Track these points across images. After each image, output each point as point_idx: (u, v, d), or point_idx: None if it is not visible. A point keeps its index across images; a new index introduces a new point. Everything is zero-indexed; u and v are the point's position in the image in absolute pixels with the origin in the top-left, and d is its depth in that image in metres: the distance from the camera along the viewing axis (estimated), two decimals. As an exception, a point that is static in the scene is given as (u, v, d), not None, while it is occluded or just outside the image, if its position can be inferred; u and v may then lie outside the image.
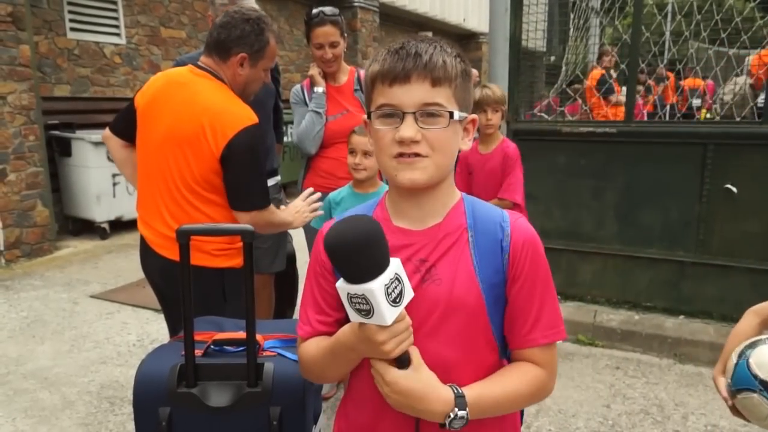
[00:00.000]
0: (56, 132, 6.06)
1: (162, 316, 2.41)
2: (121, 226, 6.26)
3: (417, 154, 1.00)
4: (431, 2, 12.55)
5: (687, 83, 7.70)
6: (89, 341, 3.70)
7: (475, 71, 1.53)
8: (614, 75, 6.68)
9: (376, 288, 0.87)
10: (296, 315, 3.20)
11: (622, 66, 4.21)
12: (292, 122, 3.11)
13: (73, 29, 6.36)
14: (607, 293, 3.96)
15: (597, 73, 6.41)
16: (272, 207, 2.13)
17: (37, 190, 5.56)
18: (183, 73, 2.11)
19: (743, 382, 1.29)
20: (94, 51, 6.59)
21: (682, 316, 3.71)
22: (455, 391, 0.98)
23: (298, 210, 2.25)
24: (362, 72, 3.02)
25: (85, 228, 6.26)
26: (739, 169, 3.51)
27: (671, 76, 7.19)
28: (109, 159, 5.74)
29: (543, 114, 4.68)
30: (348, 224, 0.92)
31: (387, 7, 11.03)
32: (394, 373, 0.96)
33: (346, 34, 3.00)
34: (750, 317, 1.47)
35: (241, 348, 1.58)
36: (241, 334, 1.56)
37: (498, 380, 1.05)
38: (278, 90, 3.06)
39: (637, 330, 3.62)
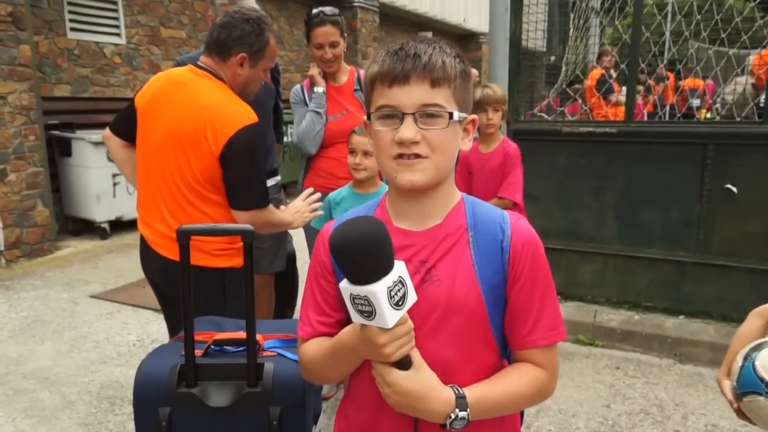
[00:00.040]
0: (56, 132, 6.06)
1: (162, 316, 2.41)
2: (121, 226, 6.26)
3: (417, 156, 1.00)
4: (431, 2, 12.55)
5: (687, 83, 7.69)
6: (89, 341, 3.70)
7: (474, 71, 1.52)
8: (614, 75, 6.68)
9: (378, 290, 0.87)
10: (296, 315, 3.20)
11: (622, 66, 4.21)
12: (292, 122, 3.11)
13: (73, 29, 6.36)
14: (607, 293, 3.96)
15: (597, 73, 6.41)
16: (271, 207, 2.13)
17: (37, 190, 5.56)
18: (183, 72, 2.11)
19: (749, 385, 1.28)
20: (94, 51, 6.59)
21: (682, 316, 3.71)
22: (456, 392, 0.98)
23: (297, 210, 2.25)
24: (362, 72, 3.02)
25: (85, 228, 6.26)
26: (739, 169, 3.51)
27: (671, 76, 7.19)
28: (109, 159, 5.74)
29: (543, 114, 4.68)
30: (354, 225, 0.91)
31: (387, 7, 11.03)
32: (395, 375, 0.95)
33: (346, 34, 3.00)
34: (754, 319, 1.46)
35: (241, 348, 1.57)
36: (241, 334, 1.56)
37: (499, 381, 1.05)
38: (278, 90, 3.05)
39: (637, 330, 3.62)
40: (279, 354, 1.60)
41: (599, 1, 5.81)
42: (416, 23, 12.90)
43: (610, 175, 3.84)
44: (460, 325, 1.03)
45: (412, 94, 0.99)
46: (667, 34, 6.67)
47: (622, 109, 4.24)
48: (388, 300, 0.88)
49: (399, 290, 0.90)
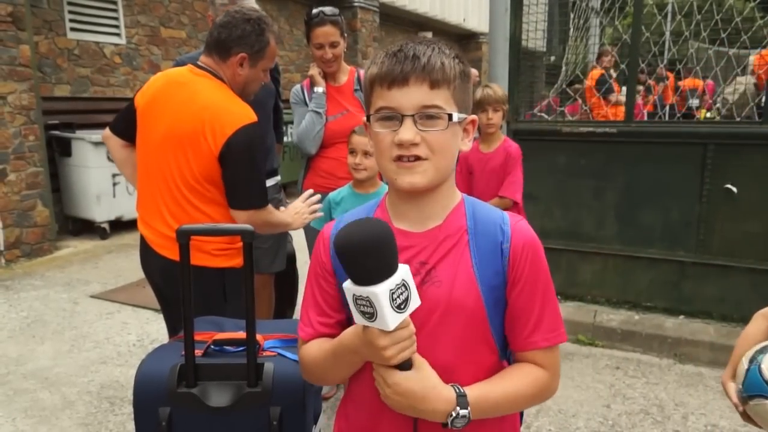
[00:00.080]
0: (56, 132, 6.06)
1: (162, 316, 2.41)
2: (121, 226, 6.26)
3: (417, 157, 1.00)
4: (431, 2, 12.55)
5: (686, 83, 7.69)
6: (89, 341, 3.70)
7: (474, 71, 1.53)
8: (614, 75, 6.68)
9: (380, 292, 0.87)
10: (296, 315, 3.21)
11: (622, 66, 4.21)
12: (292, 122, 3.11)
13: (73, 29, 6.36)
14: (607, 293, 3.96)
15: (597, 73, 6.41)
16: (270, 207, 2.13)
17: (37, 190, 5.56)
18: (183, 72, 2.11)
19: (755, 388, 1.27)
20: (94, 51, 6.59)
21: (682, 316, 3.71)
22: (457, 391, 0.99)
23: (297, 211, 2.25)
24: (362, 72, 3.02)
25: (85, 228, 6.26)
26: (739, 169, 3.51)
27: (671, 76, 7.19)
28: (109, 159, 5.74)
29: (543, 114, 4.67)
30: (359, 225, 0.91)
31: (387, 7, 11.03)
32: (396, 376, 0.95)
33: (346, 34, 3.00)
34: (759, 321, 1.44)
35: (241, 348, 1.57)
36: (241, 334, 1.56)
37: (500, 381, 1.05)
38: (278, 90, 3.05)
39: (637, 330, 3.62)
40: (279, 354, 1.60)
41: (599, 1, 5.81)
42: (416, 23, 12.90)
43: (610, 175, 3.84)
44: (459, 327, 1.03)
45: (411, 96, 0.99)
46: (667, 34, 6.67)
47: (622, 109, 4.25)
48: (389, 302, 0.88)
49: (402, 293, 0.90)
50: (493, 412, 1.03)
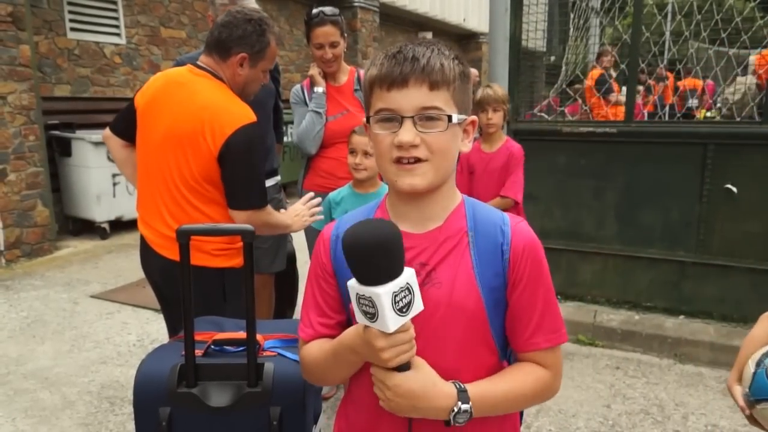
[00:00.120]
0: (56, 132, 6.06)
1: (162, 316, 2.41)
2: (121, 226, 6.26)
3: (417, 159, 1.00)
4: (431, 2, 12.55)
5: (686, 83, 7.69)
6: (89, 341, 3.70)
7: (474, 71, 1.53)
8: (614, 75, 6.68)
9: (383, 293, 0.87)
10: (296, 315, 3.20)
11: (622, 66, 4.21)
12: (292, 122, 3.11)
13: (73, 29, 6.36)
14: (607, 293, 3.96)
15: (596, 73, 6.41)
16: (269, 208, 2.13)
17: (37, 190, 5.56)
18: (182, 72, 2.11)
19: (763, 392, 1.25)
20: (94, 51, 6.59)
21: (682, 316, 3.71)
22: (457, 386, 0.99)
23: (297, 213, 2.25)
24: (362, 72, 3.02)
25: (85, 228, 6.26)
26: (739, 169, 3.51)
27: (671, 76, 7.19)
28: (109, 159, 5.75)
29: (543, 114, 4.67)
30: (369, 225, 0.92)
31: (387, 7, 11.03)
32: (396, 378, 0.95)
33: (346, 34, 3.00)
34: (765, 323, 1.42)
35: (242, 348, 1.57)
36: (242, 334, 1.56)
37: (502, 379, 1.05)
38: (278, 90, 3.05)
39: (637, 330, 3.62)
40: (279, 354, 1.60)
41: (599, 1, 5.81)
42: (416, 23, 12.90)
43: (610, 175, 3.84)
44: (460, 328, 1.03)
45: (410, 98, 0.98)
46: (667, 34, 6.67)
47: (622, 109, 4.24)
48: (391, 304, 0.88)
49: (405, 297, 0.90)
50: (494, 409, 1.03)
